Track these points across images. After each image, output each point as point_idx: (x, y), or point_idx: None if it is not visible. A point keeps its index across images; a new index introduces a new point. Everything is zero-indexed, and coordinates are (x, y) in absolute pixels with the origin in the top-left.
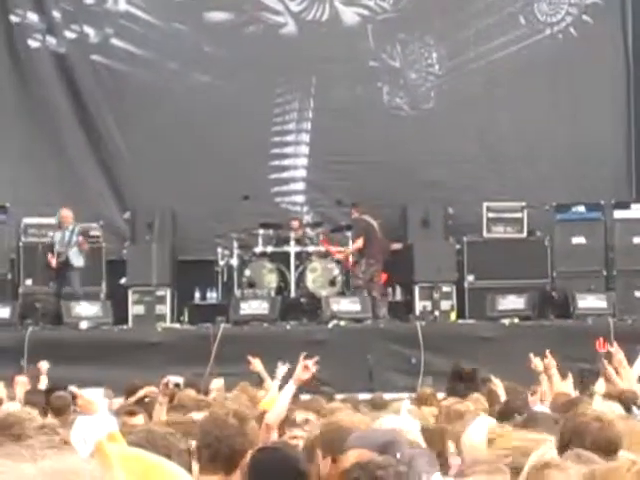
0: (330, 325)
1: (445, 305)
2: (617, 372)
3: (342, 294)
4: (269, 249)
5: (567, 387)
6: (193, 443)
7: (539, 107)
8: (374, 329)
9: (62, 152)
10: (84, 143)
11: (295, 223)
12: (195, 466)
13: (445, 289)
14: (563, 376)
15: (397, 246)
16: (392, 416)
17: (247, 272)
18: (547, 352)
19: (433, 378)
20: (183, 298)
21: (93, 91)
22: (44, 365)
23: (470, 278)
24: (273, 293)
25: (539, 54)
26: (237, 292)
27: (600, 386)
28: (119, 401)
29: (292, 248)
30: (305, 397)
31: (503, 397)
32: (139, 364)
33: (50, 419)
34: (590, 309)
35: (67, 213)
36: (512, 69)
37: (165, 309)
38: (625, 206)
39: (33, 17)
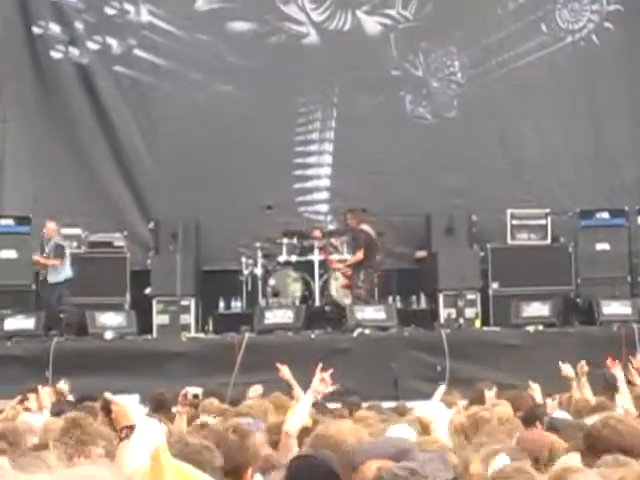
0: (355, 334)
1: (470, 313)
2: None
3: (367, 302)
4: (293, 258)
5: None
6: None
7: (561, 114)
8: (399, 337)
9: (85, 163)
10: (107, 153)
11: (317, 232)
12: None
13: (469, 297)
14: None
15: (421, 254)
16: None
17: (271, 281)
18: (583, 362)
19: (458, 385)
20: (207, 308)
21: (116, 102)
22: (63, 386)
23: (494, 285)
24: (297, 302)
25: (561, 61)
26: (261, 301)
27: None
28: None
29: (316, 257)
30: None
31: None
32: (164, 374)
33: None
34: (615, 315)
35: (49, 225)
36: (534, 76)
37: (189, 319)
38: None
39: (56, 28)
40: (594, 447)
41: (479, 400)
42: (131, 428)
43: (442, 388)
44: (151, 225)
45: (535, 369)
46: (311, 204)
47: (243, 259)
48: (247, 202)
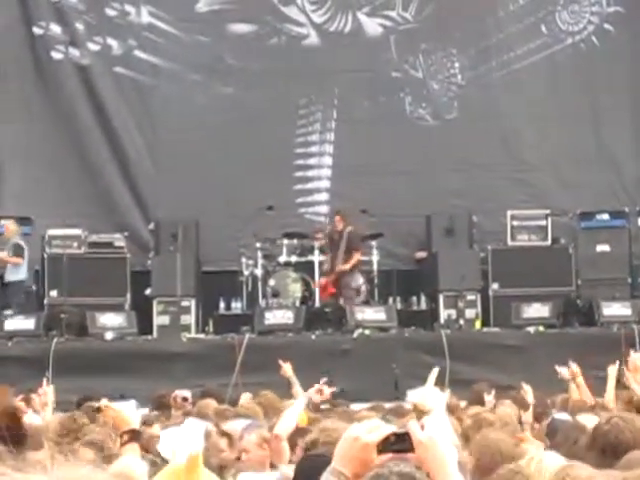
0: (355, 334)
1: (470, 313)
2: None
3: (367, 303)
4: (293, 259)
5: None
6: None
7: (561, 115)
8: (399, 338)
9: (86, 163)
10: (107, 154)
11: (318, 234)
12: None
13: (470, 297)
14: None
15: (422, 255)
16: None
17: (271, 282)
18: (570, 362)
19: (459, 386)
20: (208, 308)
21: (116, 103)
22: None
23: (495, 286)
24: (298, 303)
25: (561, 63)
26: (262, 302)
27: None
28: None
29: (316, 257)
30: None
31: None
32: (164, 374)
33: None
34: (615, 317)
35: (10, 226)
36: (534, 78)
37: (190, 319)
38: None
39: (56, 29)
40: (604, 446)
41: (478, 401)
42: (132, 432)
43: (435, 371)
44: (151, 226)
45: (535, 370)
46: (311, 205)
47: (243, 260)
48: (247, 203)
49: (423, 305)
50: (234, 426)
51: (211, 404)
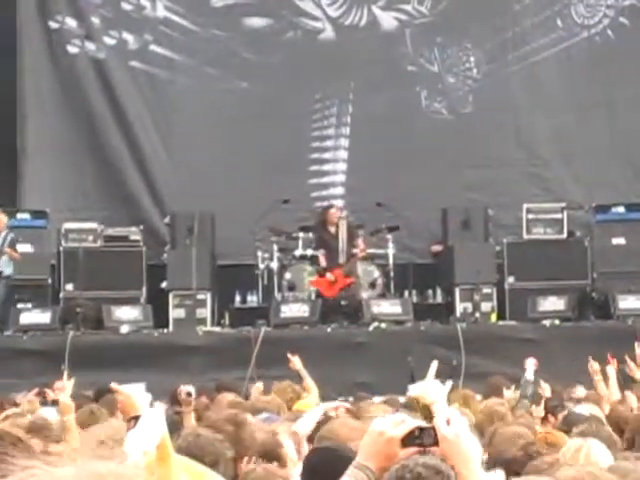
0: (371, 328)
1: (486, 307)
2: None
3: (383, 296)
4: (309, 252)
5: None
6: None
7: (577, 109)
8: (415, 331)
9: (102, 157)
10: (123, 148)
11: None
12: None
13: (485, 291)
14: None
15: (438, 248)
16: (418, 383)
17: (287, 275)
18: (590, 359)
19: (474, 379)
20: (223, 302)
21: (132, 97)
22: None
23: (510, 279)
24: (313, 296)
25: (576, 56)
26: (277, 295)
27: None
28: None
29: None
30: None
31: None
32: (180, 368)
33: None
34: (631, 310)
35: (1, 218)
36: (549, 72)
37: (206, 313)
38: None
39: (72, 23)
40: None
41: (493, 394)
42: (139, 419)
43: (435, 364)
44: (167, 219)
45: (551, 363)
46: (327, 199)
47: (259, 253)
48: (263, 197)
49: (439, 298)
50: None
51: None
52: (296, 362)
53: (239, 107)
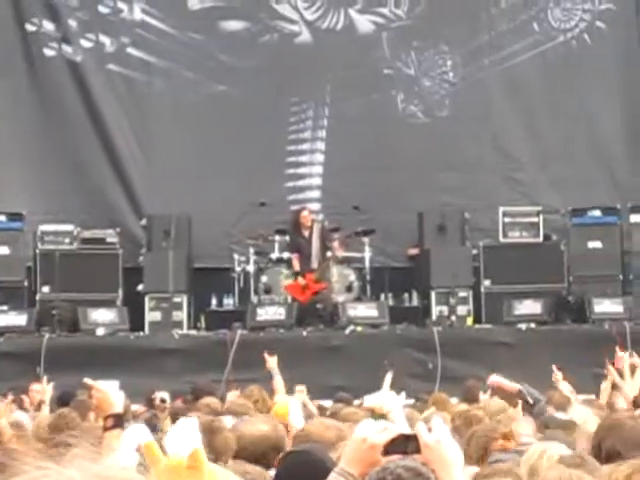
0: (347, 331)
1: (462, 310)
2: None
3: (359, 299)
4: (285, 255)
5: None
6: None
7: (553, 113)
8: (391, 334)
9: (78, 159)
10: (100, 151)
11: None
12: None
13: (461, 294)
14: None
15: (414, 252)
16: (373, 394)
17: (264, 278)
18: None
19: (450, 383)
20: (200, 304)
21: (109, 99)
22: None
23: (486, 283)
24: (290, 299)
25: (553, 60)
26: (254, 298)
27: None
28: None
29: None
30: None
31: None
32: (156, 370)
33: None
34: (606, 313)
35: None
36: (526, 76)
37: (182, 315)
38: None
39: (49, 26)
40: (604, 440)
41: (470, 398)
42: (116, 417)
43: (389, 375)
44: (143, 222)
45: (527, 367)
46: (303, 202)
47: (235, 256)
48: (240, 200)
49: (415, 302)
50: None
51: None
52: (271, 362)
53: (216, 110)
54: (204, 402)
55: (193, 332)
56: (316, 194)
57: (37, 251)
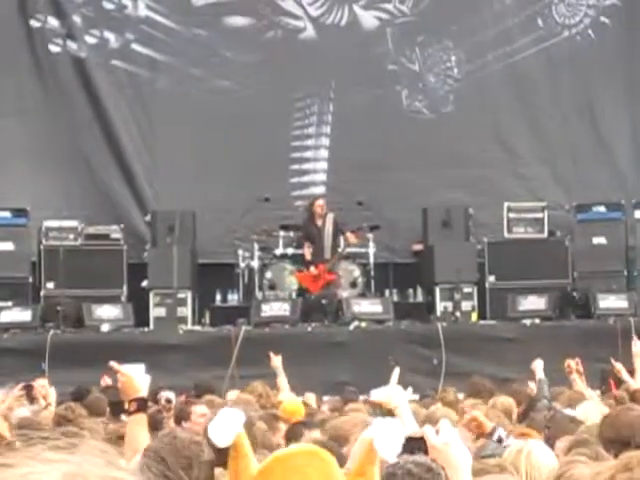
0: (351, 327)
1: (466, 306)
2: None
3: (363, 295)
4: (289, 251)
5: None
6: None
7: (558, 108)
8: (395, 330)
9: (82, 155)
10: (104, 146)
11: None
12: None
13: (466, 290)
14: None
15: (418, 247)
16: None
17: (268, 274)
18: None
19: (455, 378)
20: (204, 300)
21: (113, 95)
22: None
23: (491, 279)
24: (294, 295)
25: (557, 56)
26: (258, 294)
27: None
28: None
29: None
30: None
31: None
32: (160, 366)
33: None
34: (611, 309)
35: None
36: (530, 71)
37: (186, 311)
38: None
39: (54, 22)
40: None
41: (475, 393)
42: (140, 401)
43: (397, 371)
44: (148, 218)
45: (532, 362)
46: (308, 198)
47: (240, 252)
48: (244, 195)
49: (419, 297)
50: None
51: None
52: (276, 360)
53: (220, 106)
54: (207, 399)
55: (197, 328)
56: (321, 190)
57: (41, 247)
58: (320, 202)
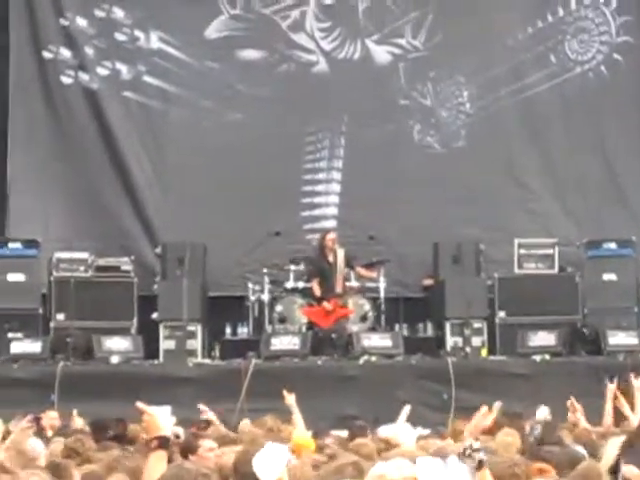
0: (361, 361)
1: (476, 341)
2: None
3: (373, 329)
4: (300, 285)
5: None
6: None
7: (569, 144)
8: (405, 365)
9: (94, 187)
10: (115, 178)
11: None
12: None
13: (476, 325)
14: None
15: (429, 282)
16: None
17: (278, 307)
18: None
19: (465, 414)
20: (214, 333)
21: (125, 127)
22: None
23: (501, 314)
24: (304, 328)
25: (570, 92)
26: (268, 327)
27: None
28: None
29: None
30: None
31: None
32: (170, 399)
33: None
34: (621, 345)
35: None
36: (542, 107)
37: (196, 344)
38: None
39: (66, 53)
40: None
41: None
42: (162, 439)
43: (407, 409)
44: (158, 250)
45: (541, 398)
46: (319, 232)
47: (250, 285)
48: (255, 229)
49: (429, 332)
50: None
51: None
52: (290, 399)
53: (232, 139)
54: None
55: (207, 361)
56: (332, 223)
57: (52, 278)
58: (331, 236)
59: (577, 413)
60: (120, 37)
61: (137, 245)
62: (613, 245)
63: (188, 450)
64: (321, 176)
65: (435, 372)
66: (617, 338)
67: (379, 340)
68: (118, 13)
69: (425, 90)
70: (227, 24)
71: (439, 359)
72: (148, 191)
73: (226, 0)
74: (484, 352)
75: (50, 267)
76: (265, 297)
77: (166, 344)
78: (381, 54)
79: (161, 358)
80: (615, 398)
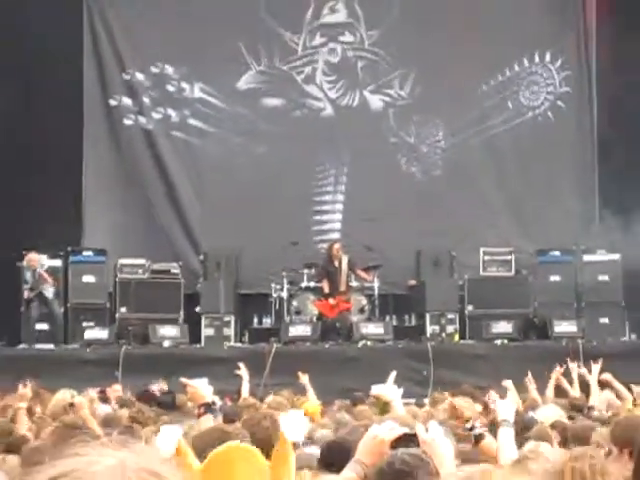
0: (359, 345)
1: (450, 329)
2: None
3: (369, 320)
4: (312, 284)
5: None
6: None
7: (524, 174)
8: (394, 348)
9: (150, 208)
10: (167, 200)
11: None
12: None
13: (450, 316)
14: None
15: (413, 283)
16: (379, 385)
17: (294, 302)
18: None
19: (440, 386)
20: (244, 323)
21: (174, 160)
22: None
23: (470, 308)
24: (315, 319)
25: (523, 133)
26: (286, 318)
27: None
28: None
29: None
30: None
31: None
32: (210, 375)
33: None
34: (564, 333)
35: (33, 257)
36: (502, 144)
37: (230, 331)
38: (592, 252)
39: (127, 101)
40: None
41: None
42: (207, 405)
43: (393, 373)
44: (201, 257)
45: (501, 375)
46: (327, 242)
47: (272, 285)
48: (276, 239)
49: (413, 322)
50: None
51: (249, 400)
52: (304, 378)
53: (258, 168)
54: (247, 401)
55: (239, 344)
56: (336, 235)
57: (117, 280)
58: (337, 246)
59: (531, 385)
60: (170, 88)
61: (184, 253)
62: (558, 253)
63: (231, 419)
64: (328, 198)
65: (418, 353)
66: (561, 327)
67: (374, 328)
68: (168, 69)
69: (410, 130)
70: (254, 77)
71: (421, 343)
72: (192, 210)
73: (253, 59)
74: (456, 337)
75: (115, 271)
76: (284, 294)
77: (207, 331)
78: (375, 101)
79: (202, 343)
80: (557, 378)
